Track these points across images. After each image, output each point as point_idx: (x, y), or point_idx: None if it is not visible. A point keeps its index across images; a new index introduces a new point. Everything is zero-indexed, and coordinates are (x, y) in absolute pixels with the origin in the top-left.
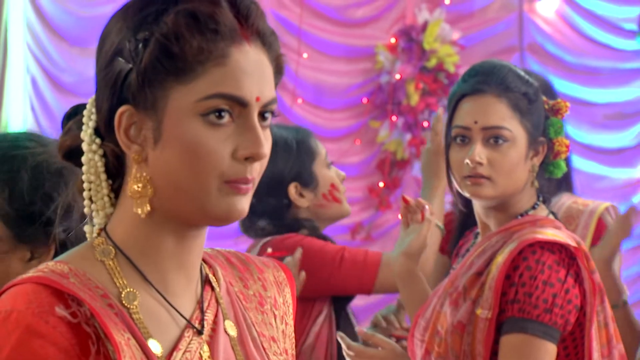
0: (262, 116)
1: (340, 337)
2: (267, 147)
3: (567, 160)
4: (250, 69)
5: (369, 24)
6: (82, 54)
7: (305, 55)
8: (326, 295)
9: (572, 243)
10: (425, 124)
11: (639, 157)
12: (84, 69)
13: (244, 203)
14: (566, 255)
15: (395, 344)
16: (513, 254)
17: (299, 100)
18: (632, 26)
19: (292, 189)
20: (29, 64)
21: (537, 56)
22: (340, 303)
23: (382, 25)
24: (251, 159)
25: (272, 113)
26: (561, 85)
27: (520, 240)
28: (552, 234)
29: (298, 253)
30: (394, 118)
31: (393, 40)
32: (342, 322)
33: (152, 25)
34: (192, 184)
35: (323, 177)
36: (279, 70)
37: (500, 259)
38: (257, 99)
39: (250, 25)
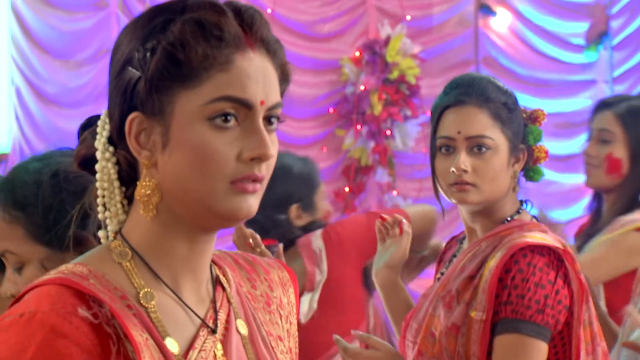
0: (268, 121)
1: (336, 340)
2: (273, 149)
3: None
4: (254, 74)
5: (334, 39)
6: (64, 66)
7: None
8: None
9: (559, 246)
10: (388, 132)
11: None
12: (66, 80)
13: (252, 202)
14: (555, 257)
15: (390, 345)
16: (505, 258)
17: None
18: (580, 41)
19: (294, 210)
20: (13, 75)
21: (491, 69)
22: None
23: (347, 40)
24: (257, 159)
25: (278, 118)
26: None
27: (511, 244)
28: (540, 237)
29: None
30: (358, 127)
31: (357, 53)
32: None
33: (159, 34)
34: (200, 185)
35: (320, 207)
36: (285, 77)
37: (493, 262)
38: (262, 102)
39: (254, 33)
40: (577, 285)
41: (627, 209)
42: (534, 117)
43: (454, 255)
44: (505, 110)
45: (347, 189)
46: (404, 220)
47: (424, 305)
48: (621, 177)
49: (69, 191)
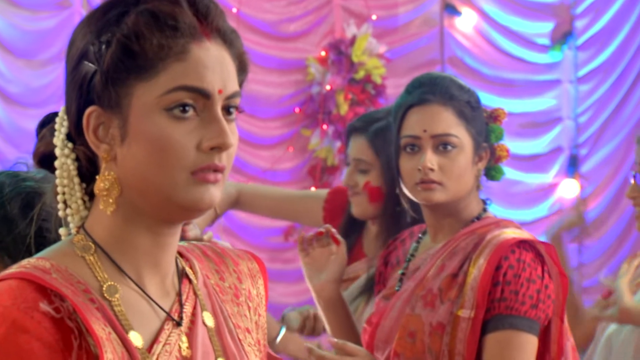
0: (227, 111)
1: (309, 350)
2: (232, 138)
3: None
4: (211, 64)
5: (300, 38)
6: (27, 65)
7: None
8: None
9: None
10: None
11: (551, 164)
12: (29, 80)
13: (213, 192)
14: (537, 252)
15: (367, 351)
16: (497, 254)
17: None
18: (545, 41)
19: None
20: None
21: (456, 69)
22: None
23: (313, 39)
24: (217, 149)
25: (237, 108)
26: (479, 96)
27: (499, 241)
28: (520, 233)
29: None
30: (324, 127)
31: (323, 53)
32: None
33: (114, 27)
34: (160, 177)
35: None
36: (242, 67)
37: (482, 260)
38: (220, 91)
39: (209, 23)
40: (558, 280)
41: (392, 232)
42: (494, 116)
43: (412, 255)
44: (468, 108)
45: (313, 189)
46: (333, 229)
47: (396, 306)
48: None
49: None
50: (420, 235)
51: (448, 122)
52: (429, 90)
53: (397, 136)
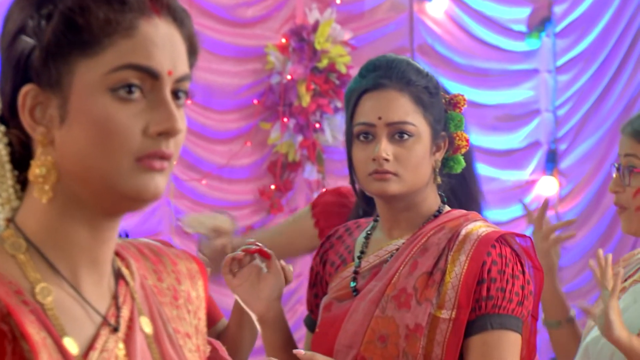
0: (175, 95)
1: None
2: (181, 124)
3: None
4: (160, 42)
5: (258, 24)
6: None
7: None
8: None
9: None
10: (317, 125)
11: (529, 160)
12: None
13: (159, 181)
14: (511, 247)
15: None
16: (480, 250)
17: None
18: (521, 27)
19: None
20: None
21: (427, 57)
22: None
23: (273, 25)
24: (165, 134)
25: (186, 93)
26: (451, 86)
27: (479, 235)
28: (493, 226)
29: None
30: (285, 119)
31: (284, 40)
32: None
33: None
34: (102, 163)
35: None
36: (193, 49)
37: (463, 256)
38: (169, 72)
39: None
40: (532, 274)
41: None
42: (454, 103)
43: (362, 252)
44: (426, 94)
45: (273, 187)
46: (259, 243)
47: (361, 308)
48: None
49: None
50: (367, 230)
51: (405, 109)
52: (384, 74)
53: (350, 123)
